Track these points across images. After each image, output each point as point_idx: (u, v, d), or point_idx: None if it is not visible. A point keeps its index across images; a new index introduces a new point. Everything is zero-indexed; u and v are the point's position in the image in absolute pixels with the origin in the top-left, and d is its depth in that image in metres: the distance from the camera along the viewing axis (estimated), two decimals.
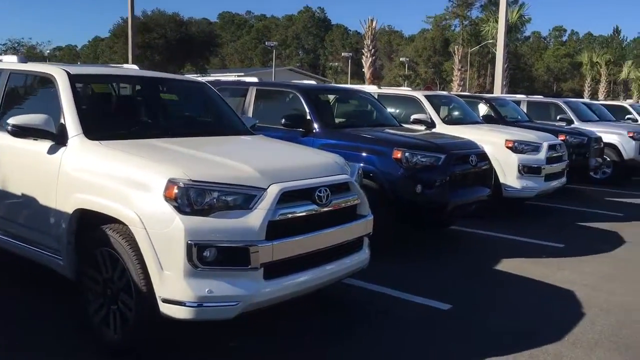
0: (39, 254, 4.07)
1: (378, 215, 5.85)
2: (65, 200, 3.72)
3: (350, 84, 66.77)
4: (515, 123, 10.91)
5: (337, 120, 7.16)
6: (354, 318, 4.40)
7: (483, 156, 6.66)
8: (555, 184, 8.50)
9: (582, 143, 10.43)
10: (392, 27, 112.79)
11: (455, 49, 25.62)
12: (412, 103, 9.10)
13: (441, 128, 8.59)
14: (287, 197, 3.50)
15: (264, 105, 7.26)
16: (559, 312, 4.70)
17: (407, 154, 5.86)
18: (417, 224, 6.68)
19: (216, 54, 62.11)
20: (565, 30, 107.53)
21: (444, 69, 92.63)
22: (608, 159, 12.27)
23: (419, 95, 9.06)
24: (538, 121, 12.26)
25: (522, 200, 8.50)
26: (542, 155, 8.16)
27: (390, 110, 9.30)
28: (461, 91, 24.36)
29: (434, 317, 4.48)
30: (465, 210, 6.89)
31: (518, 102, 13.47)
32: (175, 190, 3.21)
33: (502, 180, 8.02)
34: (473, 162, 6.34)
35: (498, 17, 20.27)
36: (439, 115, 8.84)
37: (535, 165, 8.06)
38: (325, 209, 3.71)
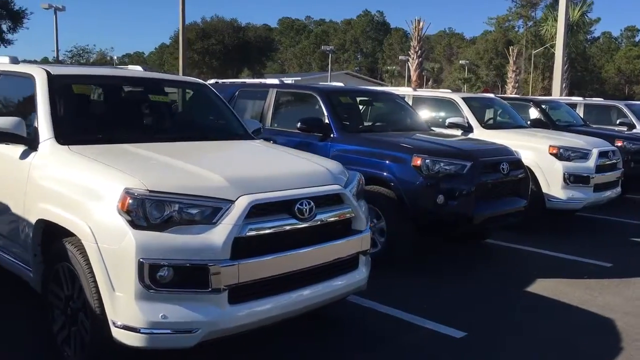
0: (12, 263, 3.85)
1: (397, 227, 5.45)
2: (31, 209, 3.48)
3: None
4: (567, 128, 10.11)
5: (359, 124, 6.70)
6: (357, 342, 3.94)
7: (518, 164, 6.03)
8: (607, 194, 7.69)
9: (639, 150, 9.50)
10: (452, 30, 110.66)
11: (510, 50, 24.35)
12: (450, 106, 8.51)
13: (479, 133, 7.98)
14: (260, 211, 3.10)
15: (285, 108, 6.90)
16: (592, 345, 4.07)
17: (427, 161, 5.34)
18: (442, 237, 6.14)
19: (273, 58, 62.59)
20: (638, 30, 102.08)
21: (505, 72, 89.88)
22: None
23: (456, 97, 8.46)
24: (595, 126, 11.36)
25: (569, 212, 7.74)
26: (591, 162, 7.39)
27: (427, 113, 8.79)
28: (516, 93, 23.18)
29: (443, 345, 3.96)
30: (498, 223, 6.30)
31: (574, 105, 12.57)
32: (130, 201, 2.88)
33: (545, 190, 7.32)
34: (505, 170, 5.73)
35: (557, 16, 19.17)
36: (477, 118, 8.20)
37: (583, 174, 7.30)
38: (308, 224, 3.29)
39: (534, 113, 10.40)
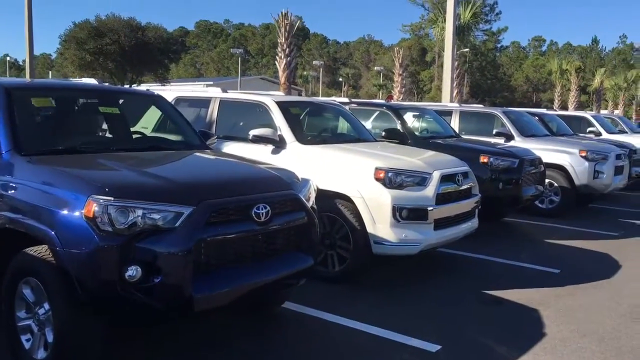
0: None
1: (69, 318, 3.22)
2: None
3: (326, 94, 64.24)
4: (429, 140, 8.35)
5: (61, 142, 4.30)
6: None
7: (293, 204, 3.89)
8: (456, 231, 5.81)
9: (511, 167, 7.80)
10: (372, 37, 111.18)
11: (396, 51, 22.80)
12: (261, 113, 6.39)
13: (295, 148, 5.96)
14: None
15: None
16: None
17: (110, 209, 3.12)
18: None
19: (176, 61, 59.16)
20: (544, 41, 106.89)
21: (421, 79, 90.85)
22: (555, 185, 9.68)
23: (269, 102, 6.35)
24: (467, 137, 9.70)
25: (402, 257, 5.80)
26: (429, 190, 5.46)
27: (236, 122, 6.68)
28: (402, 99, 21.70)
29: None
30: (271, 294, 4.21)
31: (449, 113, 10.89)
32: None
33: (370, 229, 5.33)
34: (262, 216, 3.58)
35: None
36: (294, 130, 6.13)
37: (419, 207, 5.37)
38: None
39: (390, 122, 8.55)
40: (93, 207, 3.10)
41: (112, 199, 3.15)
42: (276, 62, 16.13)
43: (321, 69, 75.28)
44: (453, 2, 17.01)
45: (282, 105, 6.32)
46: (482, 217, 6.99)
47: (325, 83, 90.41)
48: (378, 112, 8.89)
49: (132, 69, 50.93)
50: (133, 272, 3.11)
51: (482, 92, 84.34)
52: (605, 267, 6.55)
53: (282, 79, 15.79)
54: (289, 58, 15.70)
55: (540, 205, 9.67)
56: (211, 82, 57.23)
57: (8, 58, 75.92)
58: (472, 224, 6.16)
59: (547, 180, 9.42)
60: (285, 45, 15.74)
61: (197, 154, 4.51)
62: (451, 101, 17.50)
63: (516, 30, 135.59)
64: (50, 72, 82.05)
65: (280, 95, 7.41)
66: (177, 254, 3.18)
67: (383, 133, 8.00)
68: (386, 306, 4.99)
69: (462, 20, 20.74)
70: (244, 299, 3.59)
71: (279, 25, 16.03)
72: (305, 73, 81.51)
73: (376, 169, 5.40)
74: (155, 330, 4.24)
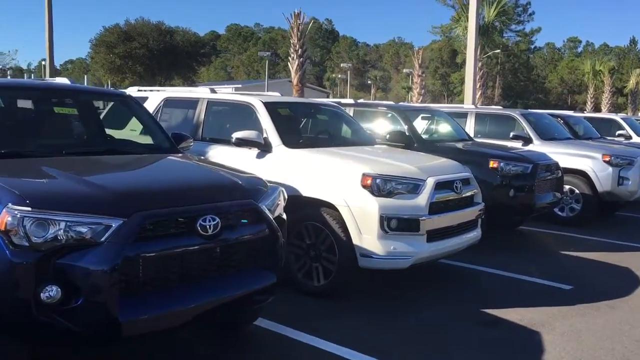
0: None
1: None
2: None
3: (350, 96, 63.85)
4: (436, 143, 7.86)
5: (4, 145, 3.94)
6: None
7: (251, 215, 3.48)
8: (453, 243, 5.31)
9: (523, 172, 7.23)
10: (402, 39, 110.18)
11: (415, 51, 22.10)
12: (249, 114, 6.01)
13: (281, 152, 5.56)
14: None
15: None
16: None
17: (27, 221, 2.77)
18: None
19: (204, 64, 59.45)
20: (580, 41, 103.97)
21: (451, 81, 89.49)
22: (577, 191, 9.03)
23: (256, 102, 5.96)
24: (481, 140, 9.19)
25: (392, 270, 5.32)
26: (422, 198, 4.98)
27: (222, 124, 6.35)
28: (421, 101, 21.03)
29: None
30: (230, 314, 3.80)
31: (465, 115, 10.36)
32: None
33: (356, 241, 4.88)
34: (209, 229, 3.18)
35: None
36: (281, 132, 5.72)
37: (410, 217, 4.89)
38: None
39: (396, 124, 8.07)
40: (6, 218, 2.76)
41: (29, 209, 2.80)
42: (289, 63, 15.74)
43: (349, 72, 74.90)
44: (476, 0, 16.39)
45: (269, 106, 5.93)
46: (494, 226, 6.52)
47: (354, 86, 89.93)
48: (385, 114, 8.42)
49: (160, 73, 51.47)
50: (51, 292, 2.76)
51: (514, 94, 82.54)
52: (624, 283, 5.95)
53: (295, 80, 15.38)
54: (301, 59, 15.30)
55: (560, 213, 9.06)
56: (239, 85, 57.62)
57: (43, 63, 77.72)
58: (475, 234, 5.66)
59: (567, 187, 8.84)
60: (297, 46, 15.34)
61: (156, 158, 4.15)
62: (474, 103, 16.88)
63: (550, 32, 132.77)
64: (85, 76, 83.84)
65: (274, 95, 7.02)
66: (101, 272, 2.81)
67: (387, 136, 7.54)
68: (369, 327, 4.54)
69: (486, 20, 20.03)
70: (189, 322, 3.19)
71: (291, 25, 15.67)
72: (333, 75, 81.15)
73: (363, 175, 4.95)
74: (112, 349, 3.88)
